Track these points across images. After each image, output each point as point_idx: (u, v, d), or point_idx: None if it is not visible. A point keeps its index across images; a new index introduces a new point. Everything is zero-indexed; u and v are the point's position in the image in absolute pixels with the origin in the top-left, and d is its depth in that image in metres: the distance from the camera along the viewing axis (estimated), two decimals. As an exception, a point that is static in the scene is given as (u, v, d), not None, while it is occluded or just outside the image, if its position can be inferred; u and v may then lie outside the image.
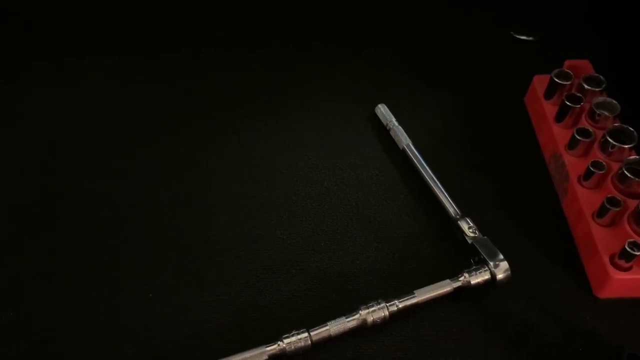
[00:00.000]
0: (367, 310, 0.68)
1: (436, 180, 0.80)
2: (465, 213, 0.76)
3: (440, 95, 0.95)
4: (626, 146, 0.76)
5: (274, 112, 0.93)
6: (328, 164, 0.86)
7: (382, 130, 0.89)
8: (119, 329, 0.70)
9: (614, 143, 0.76)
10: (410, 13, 1.09)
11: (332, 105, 0.94)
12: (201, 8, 1.09)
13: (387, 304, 0.68)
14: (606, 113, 0.80)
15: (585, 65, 0.88)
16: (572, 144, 0.80)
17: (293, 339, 0.66)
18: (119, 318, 0.71)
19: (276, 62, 1.00)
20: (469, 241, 0.73)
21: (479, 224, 0.74)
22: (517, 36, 1.02)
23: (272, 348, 0.65)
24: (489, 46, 1.02)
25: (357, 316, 0.67)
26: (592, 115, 0.81)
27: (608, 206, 0.71)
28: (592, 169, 0.75)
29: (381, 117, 0.89)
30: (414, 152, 0.83)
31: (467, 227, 0.74)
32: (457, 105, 0.94)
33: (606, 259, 0.70)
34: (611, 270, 0.69)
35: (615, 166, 0.76)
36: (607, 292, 0.71)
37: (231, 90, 0.96)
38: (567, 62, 0.88)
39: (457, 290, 0.70)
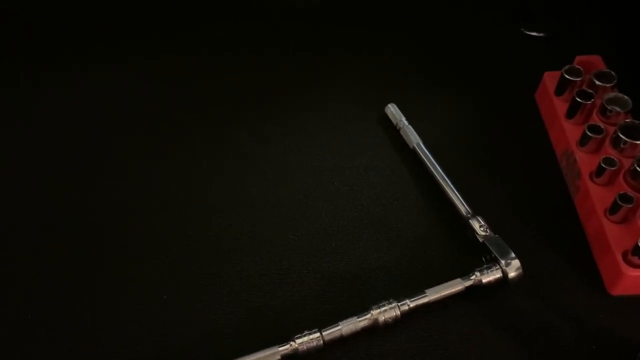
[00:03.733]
0: (378, 310, 0.69)
1: (447, 179, 0.81)
2: (476, 212, 0.77)
3: (450, 94, 0.96)
4: (638, 142, 0.77)
5: (283, 113, 0.94)
6: (338, 164, 0.87)
7: (392, 130, 0.90)
8: (131, 332, 0.72)
9: (626, 139, 0.77)
10: (418, 12, 1.10)
11: (341, 106, 0.95)
12: (204, 8, 1.10)
13: (399, 304, 0.70)
14: (617, 109, 0.81)
15: (596, 61, 0.89)
16: (583, 140, 0.81)
17: (305, 339, 0.67)
18: (132, 320, 0.73)
19: (284, 63, 1.02)
20: (480, 240, 0.74)
21: (490, 223, 0.76)
22: (527, 32, 1.03)
23: (285, 348, 0.67)
24: (498, 43, 1.03)
25: (368, 316, 0.69)
26: (603, 111, 0.82)
27: (620, 203, 0.72)
28: (603, 165, 0.76)
29: (391, 117, 0.91)
30: (424, 151, 0.85)
31: (479, 226, 0.76)
32: (467, 103, 0.95)
33: (619, 256, 0.71)
34: (624, 267, 0.71)
35: (627, 162, 0.77)
36: (620, 289, 0.73)
37: (240, 92, 0.98)
38: (577, 58, 0.88)
39: (468, 289, 0.72)
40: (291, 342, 0.68)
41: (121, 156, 0.90)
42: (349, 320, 0.69)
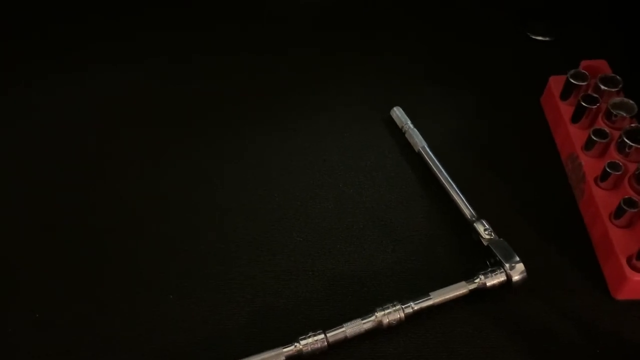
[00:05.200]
0: (382, 312, 0.70)
1: (452, 182, 0.82)
2: (481, 215, 0.78)
3: (455, 97, 0.97)
4: (643, 147, 0.77)
5: (289, 115, 0.95)
6: (344, 167, 0.88)
7: (398, 133, 0.91)
8: (136, 332, 0.73)
9: (631, 144, 0.77)
10: (425, 15, 1.11)
11: (347, 108, 0.96)
12: (209, 9, 1.11)
13: (403, 306, 0.70)
14: (623, 113, 0.81)
15: (602, 66, 0.89)
16: (588, 144, 0.81)
17: (309, 340, 0.68)
18: (136, 321, 0.74)
19: (291, 66, 1.03)
20: (485, 243, 0.75)
21: (494, 226, 0.76)
22: (533, 36, 1.04)
23: (289, 349, 0.68)
24: (504, 47, 1.04)
25: (372, 318, 0.70)
26: (608, 115, 0.82)
27: (625, 207, 0.73)
28: (608, 170, 0.76)
29: (397, 120, 0.91)
30: (429, 155, 0.86)
31: (483, 229, 0.76)
32: (472, 106, 0.96)
33: (623, 261, 0.72)
34: (628, 271, 0.71)
35: (632, 167, 0.77)
36: (624, 294, 0.73)
37: (246, 93, 0.98)
38: (583, 63, 0.89)
39: (472, 292, 0.72)
40: (295, 344, 0.68)
41: (126, 157, 0.91)
42: (353, 322, 0.70)
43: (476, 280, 0.73)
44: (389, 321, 0.70)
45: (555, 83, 0.91)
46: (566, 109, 0.87)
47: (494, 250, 0.74)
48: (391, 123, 0.93)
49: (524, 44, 1.04)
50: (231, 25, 1.09)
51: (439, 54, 1.05)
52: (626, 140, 0.78)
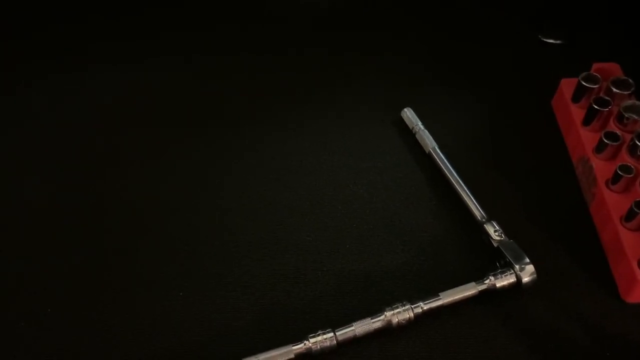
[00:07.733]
0: (392, 312, 0.72)
1: (462, 183, 0.85)
2: (491, 216, 0.80)
3: (466, 99, 1.00)
4: (655, 150, 0.79)
5: (300, 116, 0.98)
6: (354, 167, 0.90)
7: (408, 134, 0.94)
8: (136, 332, 0.75)
9: None
10: (424, 14, 1.14)
11: (358, 109, 0.98)
12: (217, 9, 1.15)
13: (412, 306, 0.73)
14: (635, 116, 0.83)
15: (614, 68, 0.91)
16: (600, 147, 0.83)
17: (319, 338, 0.71)
18: (136, 321, 0.76)
19: (301, 67, 1.06)
20: (495, 244, 0.77)
21: (505, 227, 0.79)
22: (545, 39, 1.07)
23: (299, 347, 0.70)
24: (516, 50, 1.07)
25: (382, 317, 0.72)
26: (620, 118, 0.84)
27: (636, 210, 0.75)
28: (620, 172, 0.79)
29: (407, 121, 0.94)
30: (439, 156, 0.88)
31: (493, 231, 0.79)
32: (483, 108, 0.98)
33: (634, 263, 0.74)
34: (639, 274, 0.73)
35: None
36: (635, 297, 0.75)
37: (246, 93, 1.01)
38: (595, 65, 0.91)
39: (482, 293, 0.75)
40: (305, 342, 0.71)
41: (126, 157, 0.94)
42: (362, 321, 0.72)
43: (486, 281, 0.75)
44: (398, 321, 0.73)
45: (567, 85, 0.93)
46: (577, 112, 0.90)
47: (503, 252, 0.77)
48: (402, 124, 0.96)
49: (536, 47, 1.07)
50: (231, 25, 1.12)
51: (451, 56, 1.07)
52: (638, 143, 0.80)
